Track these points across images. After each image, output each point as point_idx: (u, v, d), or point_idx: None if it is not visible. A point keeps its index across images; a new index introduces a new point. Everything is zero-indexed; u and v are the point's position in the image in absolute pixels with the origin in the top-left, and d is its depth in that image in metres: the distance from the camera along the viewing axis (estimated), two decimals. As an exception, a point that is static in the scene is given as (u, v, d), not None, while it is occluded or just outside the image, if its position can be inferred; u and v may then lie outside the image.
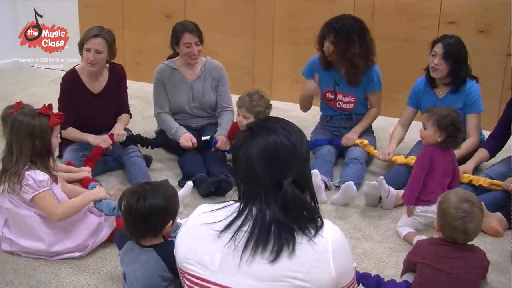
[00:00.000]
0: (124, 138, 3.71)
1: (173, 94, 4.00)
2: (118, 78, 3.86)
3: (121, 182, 3.62)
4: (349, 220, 3.24)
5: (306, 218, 1.57)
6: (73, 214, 2.72)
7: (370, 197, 3.35)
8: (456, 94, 3.65)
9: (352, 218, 3.27)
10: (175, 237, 1.73)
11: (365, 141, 3.79)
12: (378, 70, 3.93)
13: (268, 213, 1.55)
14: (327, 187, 3.53)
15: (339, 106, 4.02)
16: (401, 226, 3.07)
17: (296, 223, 1.55)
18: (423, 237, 2.89)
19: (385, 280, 2.42)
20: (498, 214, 3.08)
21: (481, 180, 3.27)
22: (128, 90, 4.02)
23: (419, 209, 3.02)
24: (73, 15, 6.00)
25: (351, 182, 3.32)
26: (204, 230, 1.59)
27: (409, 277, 2.40)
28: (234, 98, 3.81)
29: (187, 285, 1.63)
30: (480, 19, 4.57)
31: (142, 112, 4.96)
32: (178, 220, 2.36)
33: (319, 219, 1.59)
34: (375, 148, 3.85)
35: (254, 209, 1.56)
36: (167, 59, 4.09)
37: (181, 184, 3.50)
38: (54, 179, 2.74)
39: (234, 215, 1.58)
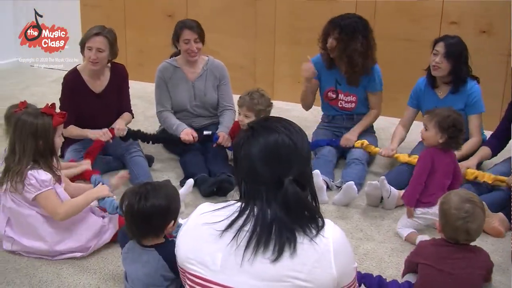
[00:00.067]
0: (125, 133, 3.71)
1: (174, 92, 4.00)
2: (120, 77, 3.86)
3: (123, 181, 3.61)
4: (350, 220, 3.24)
5: (307, 218, 1.57)
6: (76, 213, 2.72)
7: (372, 197, 3.35)
8: (457, 95, 3.66)
9: (353, 219, 3.27)
10: (176, 236, 1.74)
11: (365, 142, 3.78)
12: (379, 70, 3.93)
13: (269, 212, 1.55)
14: (328, 188, 3.53)
15: (340, 105, 4.02)
16: (401, 227, 3.06)
17: (297, 222, 1.55)
18: (426, 237, 2.89)
19: (387, 280, 2.42)
20: (500, 214, 3.07)
21: (486, 176, 3.26)
22: (130, 90, 4.02)
23: (419, 211, 3.02)
24: (74, 15, 6.00)
25: (352, 182, 3.32)
26: (205, 230, 1.59)
27: (410, 278, 2.40)
28: (236, 98, 3.81)
29: (188, 284, 1.63)
30: (482, 19, 4.56)
31: (144, 112, 4.97)
32: (179, 220, 2.37)
33: (320, 219, 1.59)
34: (376, 147, 3.85)
35: (255, 209, 1.56)
36: (170, 57, 4.10)
37: (183, 184, 3.50)
38: (58, 179, 2.74)
39: (236, 214, 1.58)
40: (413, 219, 3.03)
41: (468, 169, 3.33)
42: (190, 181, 3.25)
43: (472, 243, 2.31)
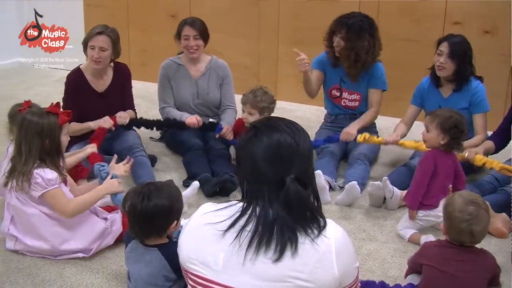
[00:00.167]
0: (127, 120, 3.73)
1: (177, 89, 4.03)
2: (122, 77, 3.87)
3: (125, 181, 3.61)
4: (353, 221, 3.24)
5: (309, 218, 1.57)
6: (83, 210, 2.72)
7: (375, 197, 3.35)
8: (461, 93, 3.65)
9: (356, 219, 3.26)
10: (176, 237, 1.73)
11: (367, 135, 3.70)
12: (382, 68, 3.93)
13: (271, 211, 1.55)
14: (331, 188, 3.53)
15: (344, 104, 4.02)
16: (402, 229, 3.05)
17: (298, 222, 1.55)
18: (430, 236, 2.89)
19: (390, 285, 2.40)
20: (503, 215, 3.07)
21: (494, 163, 3.24)
22: (133, 90, 4.02)
23: (421, 213, 3.00)
24: (74, 15, 6.00)
25: (355, 182, 3.32)
26: (207, 230, 1.59)
27: (413, 279, 2.39)
28: (239, 98, 3.81)
29: (190, 285, 1.64)
30: (485, 19, 4.56)
31: (147, 112, 4.96)
32: (182, 220, 2.36)
33: (321, 219, 1.59)
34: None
35: (257, 208, 1.57)
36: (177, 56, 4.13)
37: (186, 184, 3.51)
38: (63, 179, 2.75)
39: (238, 214, 1.58)
40: (415, 221, 3.02)
41: (477, 154, 3.31)
42: (196, 184, 3.26)
43: (478, 245, 2.29)
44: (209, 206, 1.67)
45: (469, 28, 4.48)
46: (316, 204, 1.63)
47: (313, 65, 4.03)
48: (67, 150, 3.66)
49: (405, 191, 3.26)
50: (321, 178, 3.32)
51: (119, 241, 2.79)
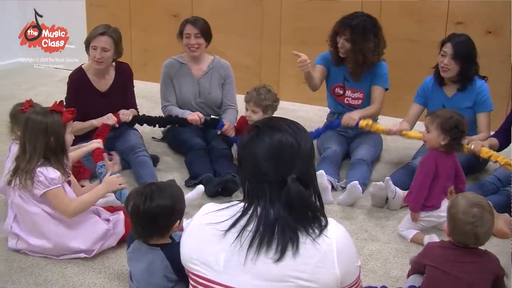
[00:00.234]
0: (130, 117, 3.73)
1: (179, 87, 4.04)
2: (124, 76, 3.87)
3: (128, 182, 3.61)
4: (355, 221, 3.24)
5: (310, 218, 1.57)
6: (84, 210, 2.72)
7: (377, 197, 3.35)
8: (465, 93, 3.65)
9: (358, 219, 3.26)
10: (177, 238, 1.73)
11: (370, 121, 3.67)
12: (386, 67, 3.92)
13: (272, 211, 1.55)
14: (333, 188, 3.52)
15: (347, 102, 4.01)
16: (403, 229, 3.05)
17: (300, 222, 1.55)
18: (434, 236, 2.89)
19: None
20: (506, 215, 3.06)
21: (500, 158, 3.23)
22: (135, 90, 4.03)
23: (422, 214, 3.00)
24: (75, 14, 6.00)
25: (356, 182, 3.31)
26: (209, 230, 1.60)
27: (415, 279, 2.39)
28: (241, 98, 3.81)
29: (191, 285, 1.64)
30: (488, 19, 4.55)
31: (149, 112, 4.91)
32: (184, 220, 2.36)
33: (323, 219, 1.59)
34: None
35: (258, 208, 1.57)
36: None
37: (188, 184, 3.51)
38: (67, 178, 2.75)
39: (239, 214, 1.58)
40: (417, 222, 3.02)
41: (483, 147, 3.30)
42: (200, 188, 3.25)
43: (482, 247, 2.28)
44: (210, 206, 1.68)
45: (472, 28, 4.47)
46: (318, 204, 1.63)
47: (318, 61, 4.03)
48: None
49: (407, 192, 3.26)
50: (323, 178, 3.32)
51: (121, 242, 2.79)
